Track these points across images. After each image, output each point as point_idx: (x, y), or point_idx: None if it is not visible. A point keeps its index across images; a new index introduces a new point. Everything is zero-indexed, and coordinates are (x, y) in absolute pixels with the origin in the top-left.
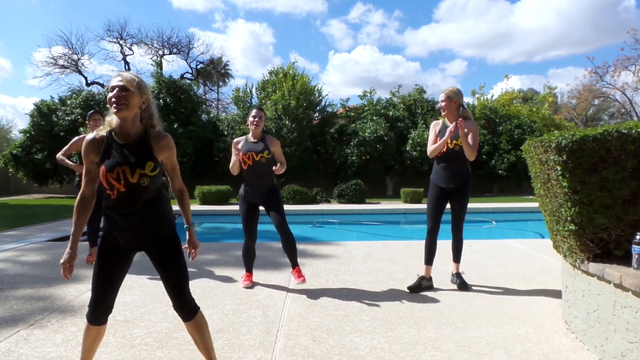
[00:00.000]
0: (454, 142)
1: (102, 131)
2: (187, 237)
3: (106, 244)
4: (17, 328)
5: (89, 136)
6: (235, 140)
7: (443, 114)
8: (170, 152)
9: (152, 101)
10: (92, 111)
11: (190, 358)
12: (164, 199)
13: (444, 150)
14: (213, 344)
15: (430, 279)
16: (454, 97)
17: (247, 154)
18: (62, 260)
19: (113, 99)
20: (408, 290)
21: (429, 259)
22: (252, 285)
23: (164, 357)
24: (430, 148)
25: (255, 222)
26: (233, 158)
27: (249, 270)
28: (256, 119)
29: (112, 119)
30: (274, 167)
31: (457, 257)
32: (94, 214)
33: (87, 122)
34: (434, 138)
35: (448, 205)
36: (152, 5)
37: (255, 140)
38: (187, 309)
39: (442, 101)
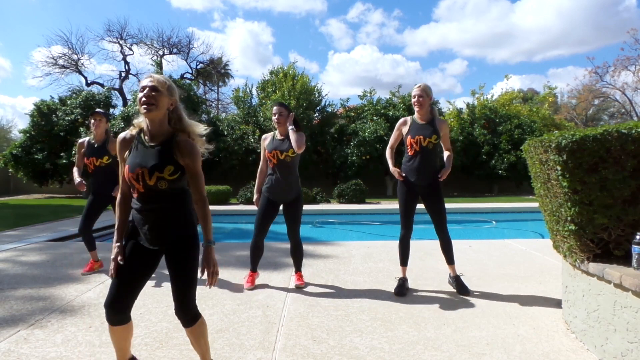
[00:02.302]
0: (428, 139)
1: (133, 130)
2: (203, 255)
3: (130, 242)
4: (17, 328)
5: (121, 135)
6: (263, 136)
7: (417, 109)
8: (191, 160)
9: (179, 103)
10: (96, 110)
11: (190, 358)
12: (187, 198)
13: (417, 148)
14: (209, 346)
15: (407, 279)
16: (430, 93)
17: (272, 152)
18: (112, 256)
19: (143, 99)
20: (395, 295)
21: (405, 260)
22: (254, 287)
23: (164, 357)
24: (388, 152)
25: (270, 220)
26: (261, 157)
27: (254, 269)
28: (276, 117)
29: (141, 121)
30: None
31: (449, 259)
32: (89, 220)
33: (89, 119)
34: (398, 135)
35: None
36: (151, 5)
37: (282, 138)
38: (187, 316)
39: (419, 96)
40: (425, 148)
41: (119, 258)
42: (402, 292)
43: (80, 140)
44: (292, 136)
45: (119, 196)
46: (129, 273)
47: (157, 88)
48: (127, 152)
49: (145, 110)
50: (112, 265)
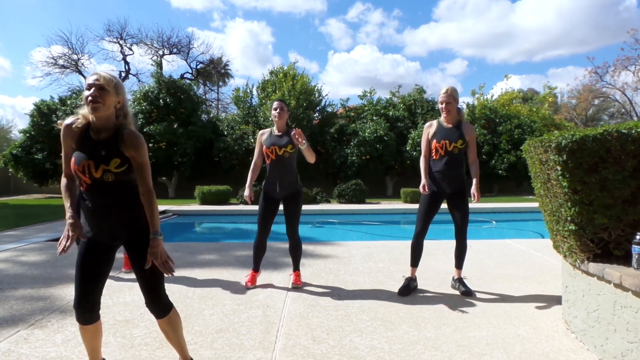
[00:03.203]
0: (453, 144)
1: (80, 122)
2: (149, 247)
3: (86, 238)
4: (17, 328)
5: (67, 121)
6: (260, 132)
7: (444, 114)
8: (136, 152)
9: (126, 100)
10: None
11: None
12: (136, 202)
13: (442, 152)
14: (185, 340)
15: (415, 279)
16: (457, 97)
17: (270, 148)
18: (69, 232)
19: (90, 98)
20: (398, 294)
21: (415, 261)
22: (255, 287)
23: (164, 357)
24: (422, 161)
25: (271, 218)
26: (256, 152)
27: (256, 269)
28: (277, 111)
29: (86, 112)
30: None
31: (459, 263)
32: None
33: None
34: (427, 141)
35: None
36: (151, 5)
37: (280, 134)
38: (159, 306)
39: (447, 103)
40: (450, 152)
41: (76, 232)
42: (407, 292)
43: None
44: (308, 151)
45: (62, 184)
46: (90, 271)
47: (104, 87)
48: (72, 141)
49: (91, 110)
50: (65, 241)
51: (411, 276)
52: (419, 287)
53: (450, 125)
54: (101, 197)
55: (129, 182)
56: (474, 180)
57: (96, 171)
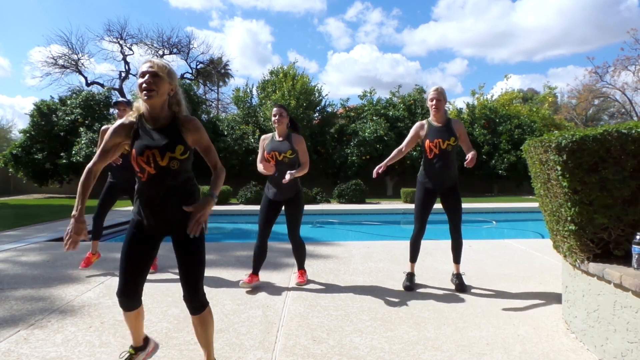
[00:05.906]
0: (447, 142)
1: (132, 116)
2: (200, 202)
3: (136, 228)
4: (17, 328)
5: (119, 121)
6: (262, 137)
7: (434, 112)
8: (199, 134)
9: (179, 88)
10: (119, 100)
11: (190, 358)
12: (194, 187)
13: (437, 151)
14: (214, 342)
15: (414, 274)
16: (446, 96)
17: (271, 153)
18: (71, 231)
19: (144, 85)
20: (404, 289)
21: (414, 257)
22: (251, 288)
23: (164, 357)
24: (395, 151)
25: (272, 220)
26: (259, 157)
27: (255, 272)
28: (277, 117)
29: (140, 105)
30: (289, 171)
31: (457, 258)
32: (103, 207)
33: (117, 108)
34: (412, 138)
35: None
36: (149, 4)
37: (281, 139)
38: (197, 302)
39: (437, 100)
40: (444, 151)
41: (81, 234)
42: (411, 286)
43: (103, 127)
44: (299, 174)
45: (85, 172)
46: (135, 260)
47: (158, 74)
48: (126, 137)
49: (146, 97)
50: (68, 238)
51: (411, 271)
52: (419, 287)
53: (440, 124)
54: (163, 186)
55: (188, 172)
56: (472, 156)
57: (162, 159)
